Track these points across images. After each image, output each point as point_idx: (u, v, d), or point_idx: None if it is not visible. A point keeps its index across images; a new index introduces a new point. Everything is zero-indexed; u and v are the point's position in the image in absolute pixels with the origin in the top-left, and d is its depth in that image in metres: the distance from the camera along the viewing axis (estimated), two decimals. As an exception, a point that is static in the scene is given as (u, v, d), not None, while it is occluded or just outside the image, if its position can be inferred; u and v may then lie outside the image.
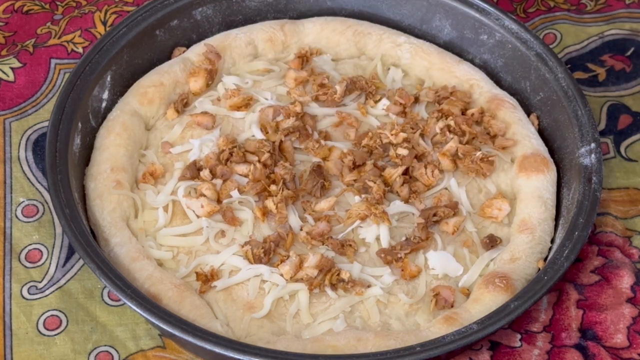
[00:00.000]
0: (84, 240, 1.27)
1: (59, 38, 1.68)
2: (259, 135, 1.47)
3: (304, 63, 1.60)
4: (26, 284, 1.39)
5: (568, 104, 1.47)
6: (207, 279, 1.32)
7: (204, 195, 1.39)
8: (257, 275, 1.33)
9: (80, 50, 1.67)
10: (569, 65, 1.67)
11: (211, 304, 1.31)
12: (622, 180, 1.54)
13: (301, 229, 1.37)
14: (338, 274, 1.33)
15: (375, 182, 1.41)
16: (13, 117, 1.57)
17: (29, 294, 1.38)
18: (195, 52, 1.58)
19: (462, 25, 1.61)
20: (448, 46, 1.63)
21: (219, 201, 1.40)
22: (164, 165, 1.46)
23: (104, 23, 1.71)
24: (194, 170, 1.43)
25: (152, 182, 1.44)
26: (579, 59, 1.71)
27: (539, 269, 1.34)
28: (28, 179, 1.50)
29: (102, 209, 1.37)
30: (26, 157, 1.52)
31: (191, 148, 1.47)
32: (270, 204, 1.38)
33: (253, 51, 1.61)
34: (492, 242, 1.38)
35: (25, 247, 1.42)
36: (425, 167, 1.44)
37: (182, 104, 1.53)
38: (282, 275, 1.32)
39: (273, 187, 1.40)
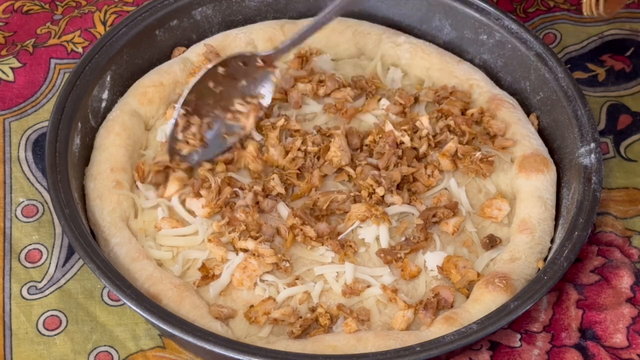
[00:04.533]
0: (84, 240, 1.27)
1: (58, 38, 1.68)
2: (257, 137, 1.47)
3: (304, 63, 1.59)
4: (26, 284, 1.39)
5: (568, 104, 1.46)
6: (207, 275, 1.32)
7: (202, 196, 1.39)
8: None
9: (80, 50, 1.67)
10: (568, 65, 1.67)
11: (211, 304, 1.31)
12: (622, 180, 1.54)
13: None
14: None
15: (374, 183, 1.41)
16: (13, 117, 1.57)
17: (29, 294, 1.38)
18: (195, 52, 1.58)
19: (462, 25, 1.61)
20: (448, 46, 1.63)
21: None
22: (163, 165, 1.46)
23: (104, 23, 1.71)
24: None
25: (152, 182, 1.44)
26: (578, 59, 1.71)
27: (539, 269, 1.33)
28: (28, 179, 1.50)
29: (102, 209, 1.37)
30: (26, 157, 1.52)
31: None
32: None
33: (253, 51, 1.61)
34: (492, 242, 1.38)
35: (25, 247, 1.42)
36: (425, 168, 1.44)
37: (182, 104, 1.53)
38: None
39: (272, 183, 1.40)
